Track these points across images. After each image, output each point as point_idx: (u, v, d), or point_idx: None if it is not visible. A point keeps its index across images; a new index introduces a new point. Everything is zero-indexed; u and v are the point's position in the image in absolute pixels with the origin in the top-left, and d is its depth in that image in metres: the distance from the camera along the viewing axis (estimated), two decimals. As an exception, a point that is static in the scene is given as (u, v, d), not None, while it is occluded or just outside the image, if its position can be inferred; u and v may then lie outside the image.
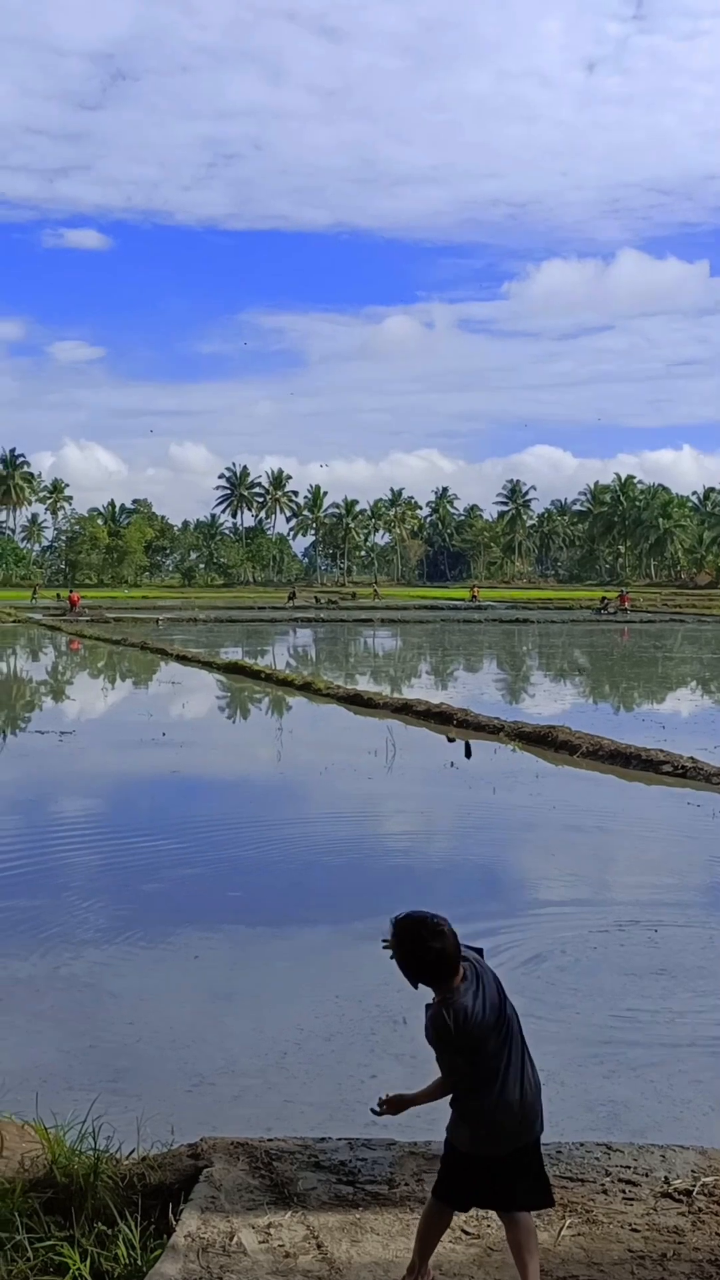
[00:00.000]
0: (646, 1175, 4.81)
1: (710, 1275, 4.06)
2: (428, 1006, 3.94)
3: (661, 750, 17.42)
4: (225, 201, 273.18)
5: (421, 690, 28.30)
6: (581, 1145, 5.11)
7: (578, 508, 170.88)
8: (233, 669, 33.81)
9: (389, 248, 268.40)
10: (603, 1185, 4.71)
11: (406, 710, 23.32)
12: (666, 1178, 4.77)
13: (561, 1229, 4.34)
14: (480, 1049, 3.87)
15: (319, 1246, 4.13)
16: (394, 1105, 4.07)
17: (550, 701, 27.75)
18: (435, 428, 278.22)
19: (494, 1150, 3.91)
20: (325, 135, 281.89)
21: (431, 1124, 5.05)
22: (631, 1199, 4.59)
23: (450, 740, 18.97)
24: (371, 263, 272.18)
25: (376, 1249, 4.14)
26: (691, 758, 16.94)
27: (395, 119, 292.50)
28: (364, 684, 29.79)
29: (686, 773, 16.38)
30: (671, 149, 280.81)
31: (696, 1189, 4.67)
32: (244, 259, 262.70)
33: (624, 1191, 4.66)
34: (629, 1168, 4.87)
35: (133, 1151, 4.98)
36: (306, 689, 27.99)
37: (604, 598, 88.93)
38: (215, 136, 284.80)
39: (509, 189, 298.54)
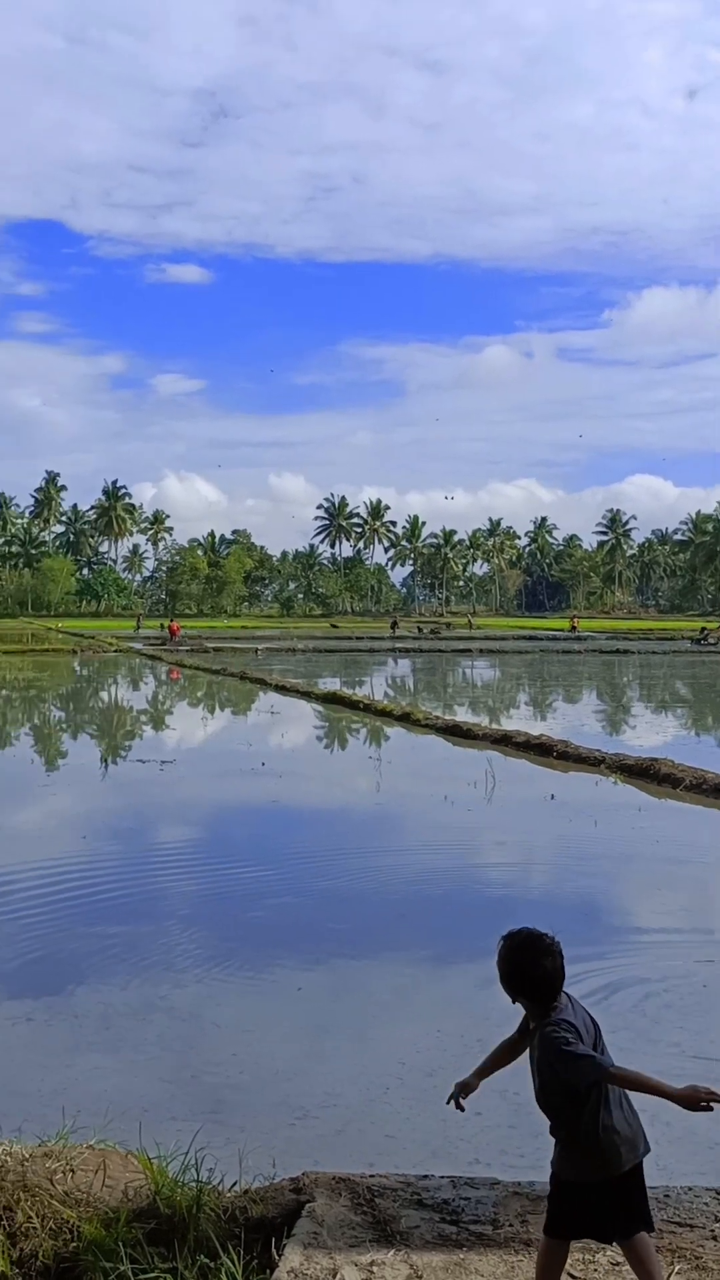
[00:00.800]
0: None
1: None
2: (540, 1033, 4.01)
3: (767, 784, 17.08)
4: (325, 234, 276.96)
5: (521, 721, 28.11)
6: (690, 1190, 5.00)
7: (679, 537, 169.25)
8: (331, 699, 33.90)
9: (488, 277, 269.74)
10: (712, 1231, 4.60)
11: (506, 741, 23.18)
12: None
13: (670, 1275, 4.25)
14: None
15: (422, 1286, 4.09)
16: (465, 1088, 4.32)
17: (652, 733, 27.39)
18: (534, 457, 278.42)
19: (602, 1175, 3.89)
20: (425, 167, 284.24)
21: (535, 1164, 5.00)
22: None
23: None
24: (471, 293, 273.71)
25: (481, 1291, 4.08)
26: None
27: (496, 150, 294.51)
28: (462, 714, 29.67)
29: None
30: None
31: None
32: (343, 290, 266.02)
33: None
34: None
35: (235, 1184, 4.97)
36: (405, 719, 27.96)
37: (703, 628, 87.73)
38: (315, 171, 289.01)
39: (609, 217, 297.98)
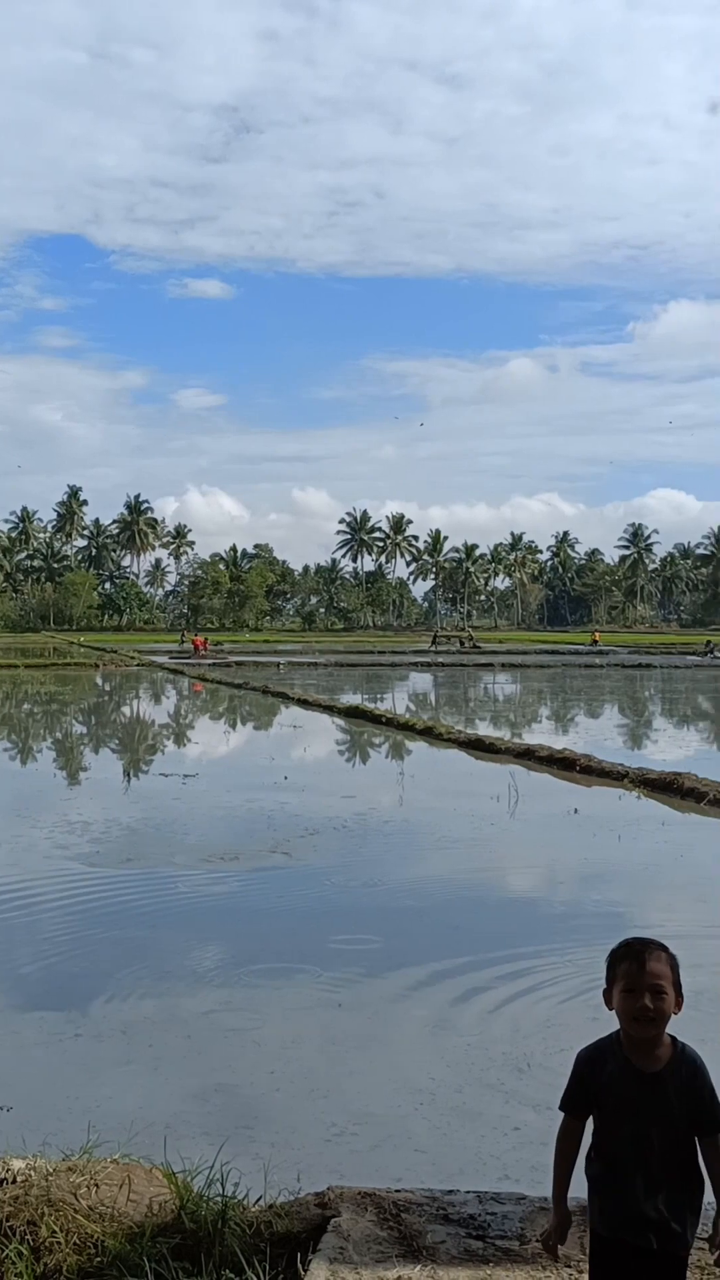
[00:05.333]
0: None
1: None
2: (688, 1054, 3.61)
3: None
4: (347, 249, 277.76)
5: (543, 736, 28.04)
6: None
7: (701, 551, 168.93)
8: (353, 713, 33.88)
9: (510, 291, 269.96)
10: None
11: (529, 756, 23.12)
12: None
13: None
14: None
15: (449, 1302, 4.06)
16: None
17: (675, 748, 27.28)
18: (556, 471, 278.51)
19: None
20: (446, 181, 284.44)
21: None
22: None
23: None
24: (493, 307, 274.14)
25: (508, 1307, 4.05)
26: None
27: (517, 164, 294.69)
28: (485, 729, 29.61)
29: None
30: None
31: None
32: (365, 305, 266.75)
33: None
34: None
35: (259, 1199, 4.96)
36: (427, 734, 27.92)
37: (709, 640, 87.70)
38: (337, 185, 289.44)
39: (631, 231, 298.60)
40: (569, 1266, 4.25)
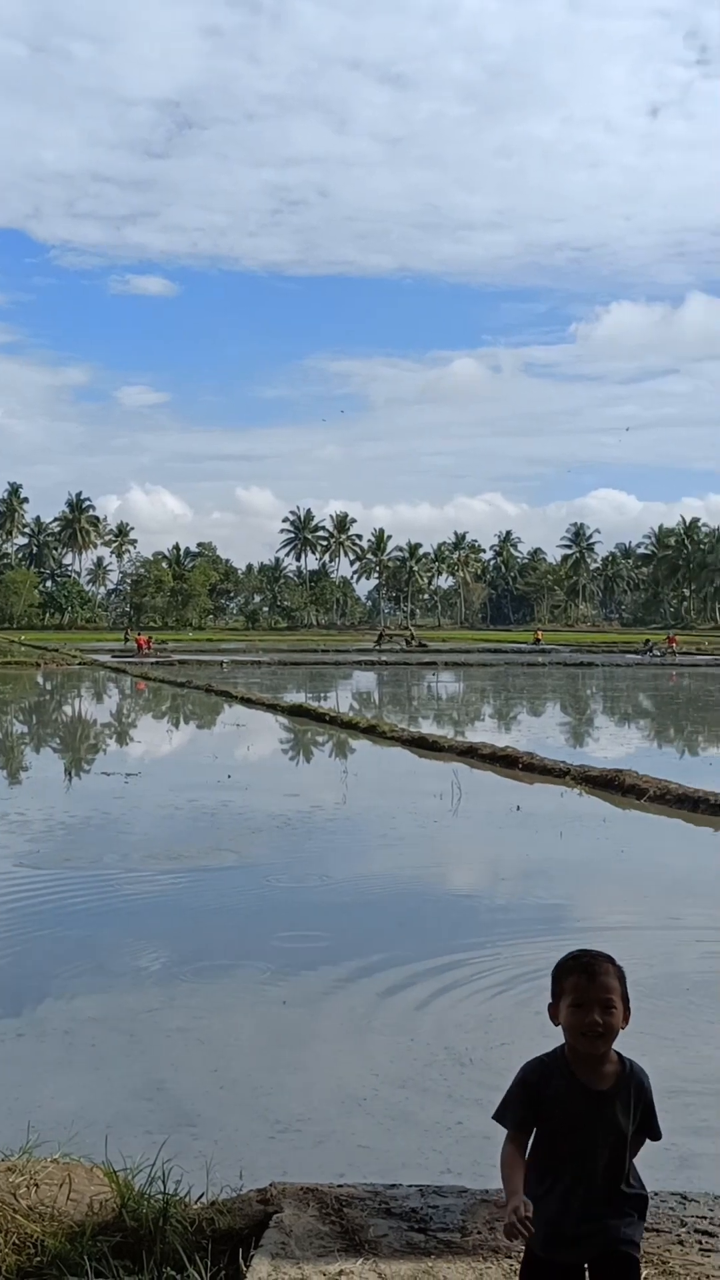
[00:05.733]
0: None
1: None
2: (635, 1071, 3.55)
3: (731, 794, 17.19)
4: (291, 247, 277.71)
5: (486, 733, 28.17)
6: (656, 1195, 5.00)
7: (642, 551, 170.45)
8: (297, 711, 33.87)
9: (453, 292, 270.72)
10: (679, 1236, 4.61)
11: (472, 753, 23.22)
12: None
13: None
14: None
15: (391, 1295, 4.08)
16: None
17: (616, 745, 27.52)
18: (499, 471, 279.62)
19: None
20: (390, 181, 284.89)
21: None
22: (708, 1250, 4.49)
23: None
24: (436, 307, 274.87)
25: (449, 1298, 4.07)
26: (762, 802, 16.69)
27: (460, 165, 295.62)
28: (428, 727, 29.70)
29: (757, 817, 16.14)
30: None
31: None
32: (309, 304, 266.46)
33: (700, 1242, 4.55)
34: (705, 1218, 4.77)
35: (201, 1196, 4.95)
36: (371, 732, 27.96)
37: (648, 640, 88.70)
38: (281, 183, 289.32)
39: (573, 233, 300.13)
40: (509, 1258, 4.28)
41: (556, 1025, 3.53)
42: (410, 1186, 5.02)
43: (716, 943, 10.30)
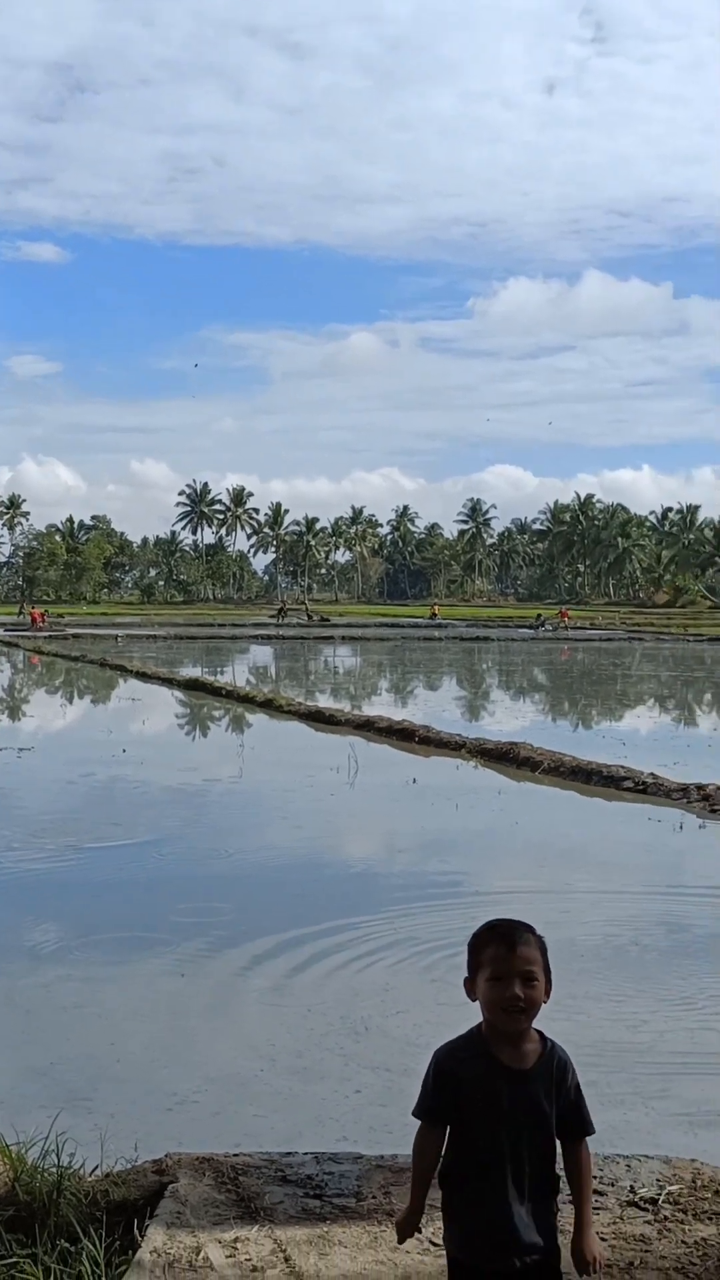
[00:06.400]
0: (613, 1185, 4.81)
1: (678, 1284, 4.07)
2: (558, 1052, 3.31)
3: (622, 766, 17.51)
4: (187, 217, 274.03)
5: (383, 707, 28.30)
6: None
7: (537, 526, 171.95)
8: (193, 685, 33.70)
9: (351, 265, 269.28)
10: (569, 1196, 4.69)
11: (368, 727, 23.31)
12: (632, 1187, 4.78)
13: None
14: None
15: (286, 1260, 4.10)
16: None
17: (511, 718, 27.83)
18: (397, 446, 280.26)
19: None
20: (288, 152, 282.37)
21: (402, 1140, 5.03)
22: (599, 1208, 4.58)
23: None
24: (334, 280, 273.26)
25: (344, 1261, 4.11)
26: (652, 774, 17.03)
27: (358, 138, 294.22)
28: (325, 701, 29.77)
29: (647, 789, 16.46)
30: (630, 171, 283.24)
31: (662, 1198, 4.68)
32: (205, 275, 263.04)
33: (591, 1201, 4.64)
34: (595, 1178, 4.86)
35: (96, 1168, 4.93)
36: (268, 706, 27.94)
37: (539, 614, 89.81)
38: (176, 151, 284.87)
39: (470, 209, 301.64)
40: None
41: (473, 1001, 3.27)
42: (306, 1154, 5.06)
43: (608, 908, 10.51)
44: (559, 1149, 3.29)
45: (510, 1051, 3.21)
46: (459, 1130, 3.23)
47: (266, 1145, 5.49)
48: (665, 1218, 4.54)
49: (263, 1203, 4.54)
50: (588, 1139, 3.34)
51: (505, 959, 3.18)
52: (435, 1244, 4.23)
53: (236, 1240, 4.23)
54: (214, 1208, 4.48)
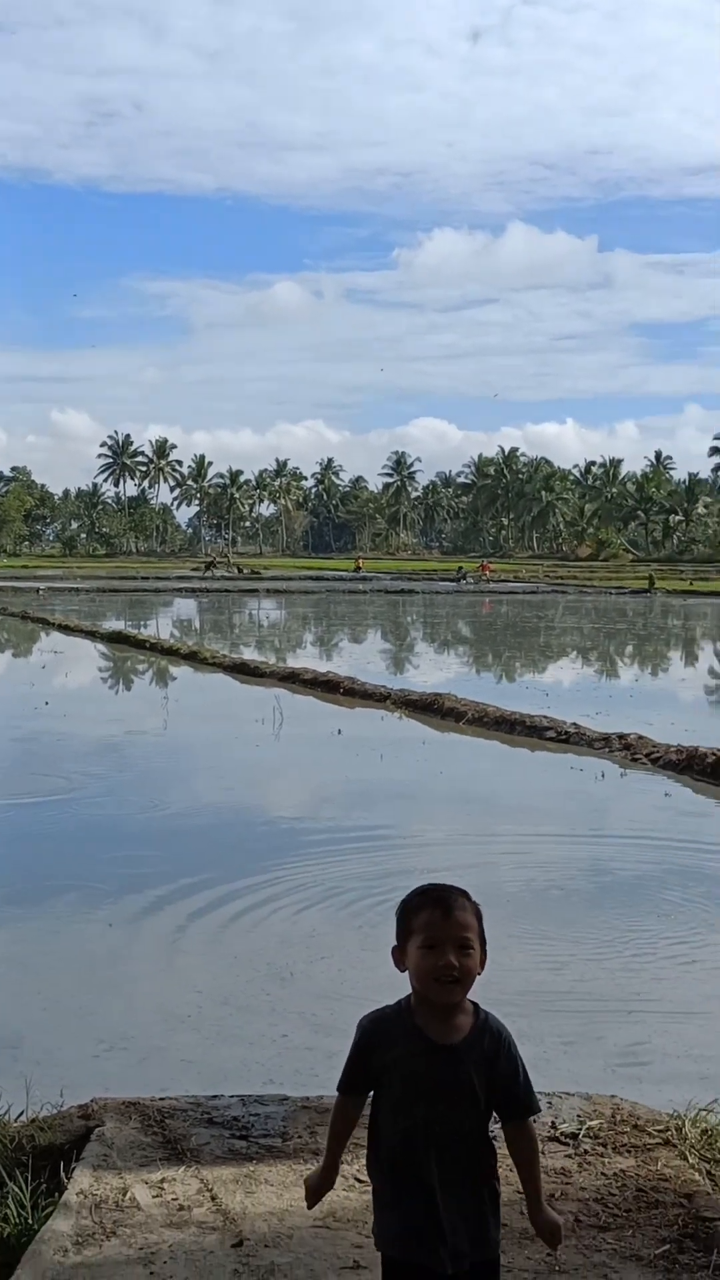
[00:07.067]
0: (534, 1121, 4.90)
1: (596, 1212, 4.17)
2: (491, 1024, 3.00)
3: (545, 716, 17.69)
4: (106, 162, 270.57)
5: (308, 660, 28.32)
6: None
7: (462, 480, 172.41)
8: (116, 638, 33.49)
9: (275, 214, 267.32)
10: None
11: (293, 679, 23.33)
12: (553, 1122, 4.87)
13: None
14: None
15: (213, 1198, 4.14)
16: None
17: (435, 670, 27.98)
18: (322, 398, 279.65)
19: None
20: (209, 97, 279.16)
21: (326, 1083, 5.09)
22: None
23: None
24: (257, 229, 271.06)
25: (270, 1199, 4.16)
26: (574, 723, 17.23)
27: (280, 83, 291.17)
28: (250, 654, 29.72)
29: (569, 738, 16.66)
30: (554, 122, 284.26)
31: (582, 1133, 4.78)
32: (126, 222, 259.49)
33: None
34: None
35: (21, 1114, 4.94)
36: (192, 658, 27.85)
37: (460, 567, 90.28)
38: (95, 94, 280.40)
39: (395, 158, 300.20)
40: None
41: (401, 971, 3.00)
42: (232, 1097, 5.10)
43: (531, 854, 10.65)
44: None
45: (438, 1026, 2.93)
46: (383, 1111, 2.99)
47: (193, 1089, 5.53)
48: (585, 1151, 4.64)
49: (189, 1144, 4.57)
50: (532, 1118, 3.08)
51: (439, 925, 2.90)
52: (360, 1180, 4.29)
53: (163, 1180, 4.26)
54: (140, 1150, 4.51)
